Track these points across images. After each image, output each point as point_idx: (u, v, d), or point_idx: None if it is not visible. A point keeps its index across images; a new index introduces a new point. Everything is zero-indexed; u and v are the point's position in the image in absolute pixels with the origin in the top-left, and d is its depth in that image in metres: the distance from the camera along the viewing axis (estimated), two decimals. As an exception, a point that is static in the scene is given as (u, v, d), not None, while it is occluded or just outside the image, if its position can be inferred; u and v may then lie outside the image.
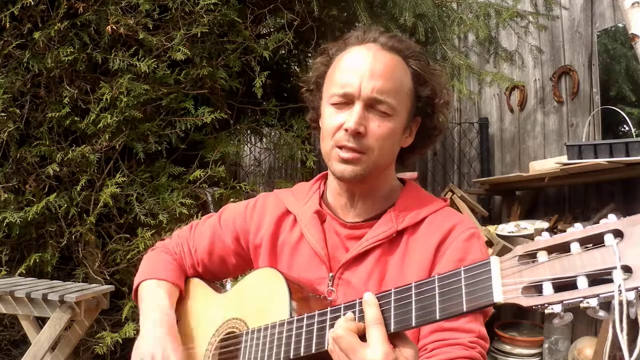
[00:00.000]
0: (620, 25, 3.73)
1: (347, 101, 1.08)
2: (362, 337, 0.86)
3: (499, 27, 4.23)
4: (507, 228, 3.65)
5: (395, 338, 0.85)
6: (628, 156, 2.98)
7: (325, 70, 1.18)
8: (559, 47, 4.15)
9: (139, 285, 1.32)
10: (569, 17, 4.08)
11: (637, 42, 2.93)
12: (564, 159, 3.32)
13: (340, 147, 1.08)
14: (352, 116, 1.06)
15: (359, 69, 1.08)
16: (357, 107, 1.07)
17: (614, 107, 3.66)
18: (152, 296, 1.27)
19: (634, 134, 3.61)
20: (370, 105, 1.07)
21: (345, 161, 1.08)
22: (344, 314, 0.90)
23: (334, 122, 1.09)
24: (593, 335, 3.15)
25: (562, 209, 3.87)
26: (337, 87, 1.10)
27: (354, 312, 0.89)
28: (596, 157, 3.07)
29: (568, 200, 3.89)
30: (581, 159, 3.14)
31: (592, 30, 3.91)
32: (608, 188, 3.54)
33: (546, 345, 3.34)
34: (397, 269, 1.09)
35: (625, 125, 3.71)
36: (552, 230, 3.56)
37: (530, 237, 3.43)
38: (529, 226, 3.59)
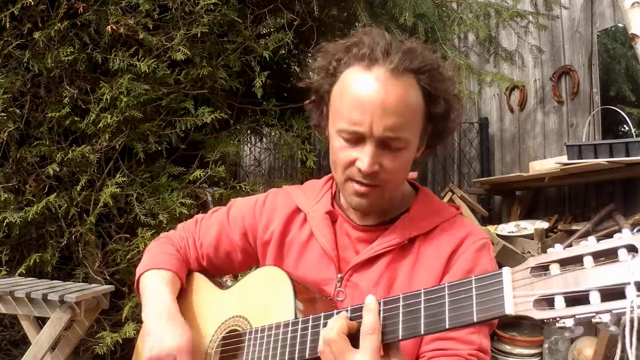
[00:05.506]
0: (620, 25, 3.73)
1: (357, 138, 1.02)
2: (354, 335, 0.87)
3: (499, 27, 4.24)
4: (507, 228, 3.65)
5: (387, 348, 0.86)
6: (628, 156, 2.99)
7: (328, 89, 1.10)
8: (559, 47, 4.14)
9: (140, 275, 1.31)
10: (569, 17, 4.07)
11: (637, 42, 2.93)
12: (564, 159, 3.32)
13: (355, 182, 1.06)
14: (365, 156, 1.01)
15: (368, 104, 1.00)
16: (369, 147, 1.01)
17: (614, 107, 3.66)
18: (155, 286, 1.25)
19: (634, 134, 3.61)
20: (383, 142, 1.02)
21: (361, 195, 1.06)
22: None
23: (346, 158, 1.05)
24: (593, 335, 3.15)
25: (562, 209, 3.88)
26: (345, 123, 1.03)
27: (355, 315, 0.89)
28: (596, 157, 3.07)
29: (568, 200, 3.89)
30: (581, 159, 3.14)
31: (592, 30, 3.91)
32: (608, 188, 3.54)
33: (546, 345, 3.34)
34: (406, 276, 1.08)
35: (625, 125, 3.71)
36: (552, 230, 3.56)
37: (530, 237, 3.43)
38: (529, 226, 3.59)
